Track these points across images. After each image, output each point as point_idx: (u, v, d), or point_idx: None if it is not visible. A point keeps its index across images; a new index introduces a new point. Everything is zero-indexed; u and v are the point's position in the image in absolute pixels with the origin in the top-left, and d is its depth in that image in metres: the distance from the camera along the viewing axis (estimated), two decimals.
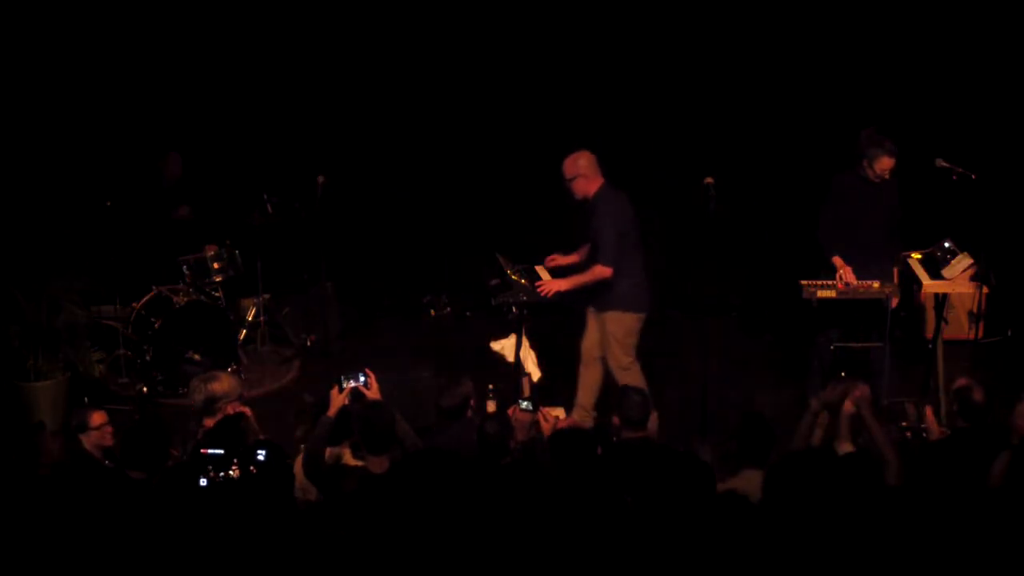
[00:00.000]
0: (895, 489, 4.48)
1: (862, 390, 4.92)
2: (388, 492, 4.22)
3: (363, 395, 5.10)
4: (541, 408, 5.35)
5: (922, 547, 3.80)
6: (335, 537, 3.96)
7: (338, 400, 5.08)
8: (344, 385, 5.12)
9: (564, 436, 4.65)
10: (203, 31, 8.60)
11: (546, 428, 5.11)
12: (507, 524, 3.95)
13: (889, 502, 4.12)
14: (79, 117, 8.34)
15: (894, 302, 6.61)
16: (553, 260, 6.66)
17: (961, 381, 5.21)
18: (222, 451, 4.12)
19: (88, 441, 4.97)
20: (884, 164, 6.59)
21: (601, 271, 6.32)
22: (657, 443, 5.28)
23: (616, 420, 5.18)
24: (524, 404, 5.32)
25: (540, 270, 6.64)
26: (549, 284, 6.39)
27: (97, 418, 5.05)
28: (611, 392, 6.49)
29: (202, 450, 4.19)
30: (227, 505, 4.03)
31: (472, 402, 5.67)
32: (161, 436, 4.77)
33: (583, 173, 6.37)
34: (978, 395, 5.06)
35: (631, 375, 6.38)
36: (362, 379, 5.14)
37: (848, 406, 4.89)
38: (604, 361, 6.58)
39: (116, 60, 8.44)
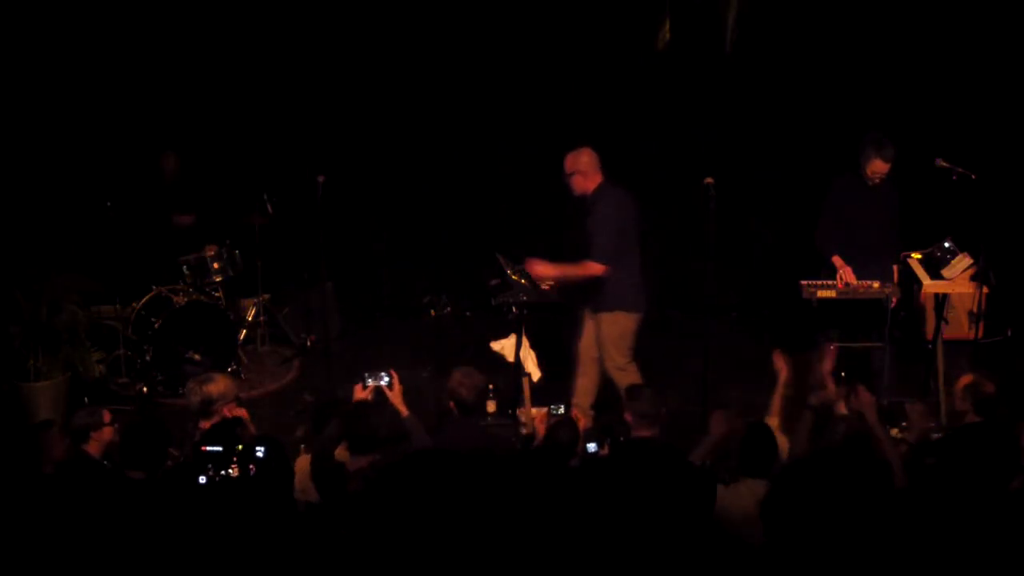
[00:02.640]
0: (906, 491, 4.48)
1: (865, 395, 4.93)
2: (389, 491, 4.22)
3: (385, 395, 5.20)
4: (574, 408, 5.40)
5: (937, 551, 3.80)
6: (335, 537, 3.96)
7: (360, 397, 5.19)
8: (368, 383, 5.21)
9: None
10: (202, 31, 8.59)
11: (581, 426, 5.13)
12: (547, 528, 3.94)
13: (901, 505, 4.12)
14: (78, 117, 8.33)
15: (894, 302, 6.61)
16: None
17: (968, 377, 5.21)
18: (221, 448, 4.13)
19: (100, 438, 4.95)
20: (876, 167, 6.59)
21: (592, 267, 6.30)
22: (665, 443, 5.27)
23: (629, 418, 5.17)
24: (559, 409, 5.39)
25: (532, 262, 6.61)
26: (539, 267, 6.37)
27: (107, 416, 5.05)
28: (609, 392, 6.49)
29: (202, 447, 4.19)
30: (226, 503, 4.04)
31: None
32: (161, 436, 4.77)
33: (583, 169, 6.37)
34: (989, 388, 5.07)
35: (629, 376, 6.37)
36: (386, 379, 5.23)
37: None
38: (600, 362, 6.57)
39: (115, 59, 8.43)
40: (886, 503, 3.76)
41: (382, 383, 5.23)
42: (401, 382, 5.29)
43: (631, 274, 6.42)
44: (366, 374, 5.26)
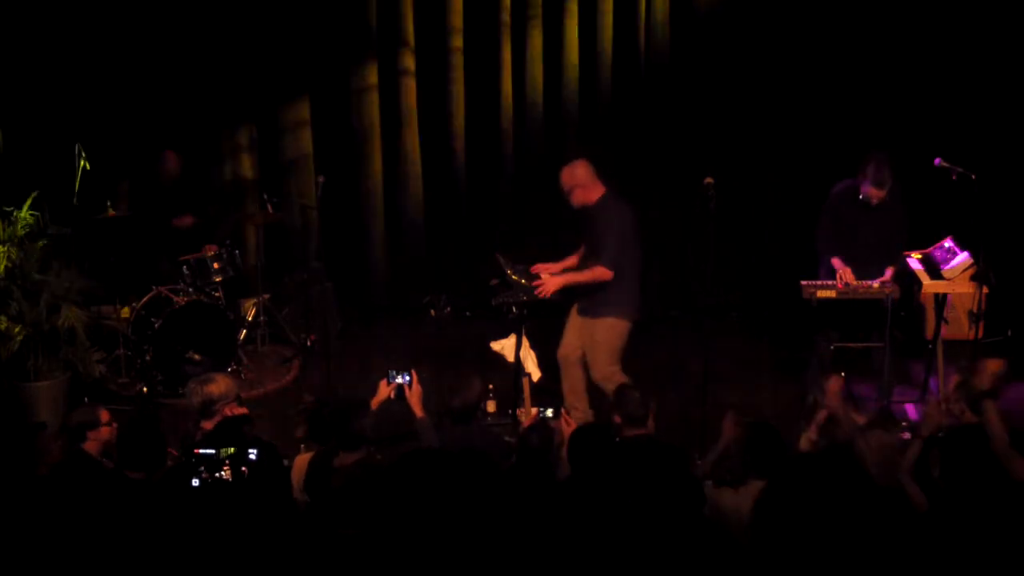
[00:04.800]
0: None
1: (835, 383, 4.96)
2: (386, 489, 4.23)
3: (404, 393, 5.41)
4: (563, 413, 5.40)
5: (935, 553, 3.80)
6: (332, 537, 3.96)
7: (383, 392, 5.40)
8: (392, 380, 5.42)
9: (585, 433, 4.69)
10: (202, 30, 8.59)
11: (568, 433, 5.12)
12: (520, 532, 3.94)
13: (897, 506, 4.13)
14: (77, 116, 8.32)
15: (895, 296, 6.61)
16: (545, 270, 6.62)
17: (956, 377, 5.20)
18: (214, 451, 4.15)
19: (98, 438, 4.95)
20: (868, 191, 6.59)
21: (602, 272, 6.28)
22: (659, 441, 5.28)
23: (618, 419, 5.17)
24: (549, 412, 5.40)
25: (540, 269, 6.63)
26: (547, 283, 6.37)
27: (105, 415, 5.06)
28: (600, 393, 6.49)
29: (195, 450, 4.21)
30: (220, 505, 4.05)
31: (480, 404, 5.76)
32: (156, 436, 4.77)
33: (581, 183, 6.35)
34: (976, 382, 5.04)
35: (617, 383, 6.35)
36: (406, 379, 5.41)
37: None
38: (583, 364, 6.55)
39: (114, 59, 8.43)
40: (868, 506, 3.77)
41: (403, 382, 5.40)
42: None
43: (632, 282, 6.41)
44: (392, 371, 5.44)
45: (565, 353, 6.61)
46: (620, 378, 6.37)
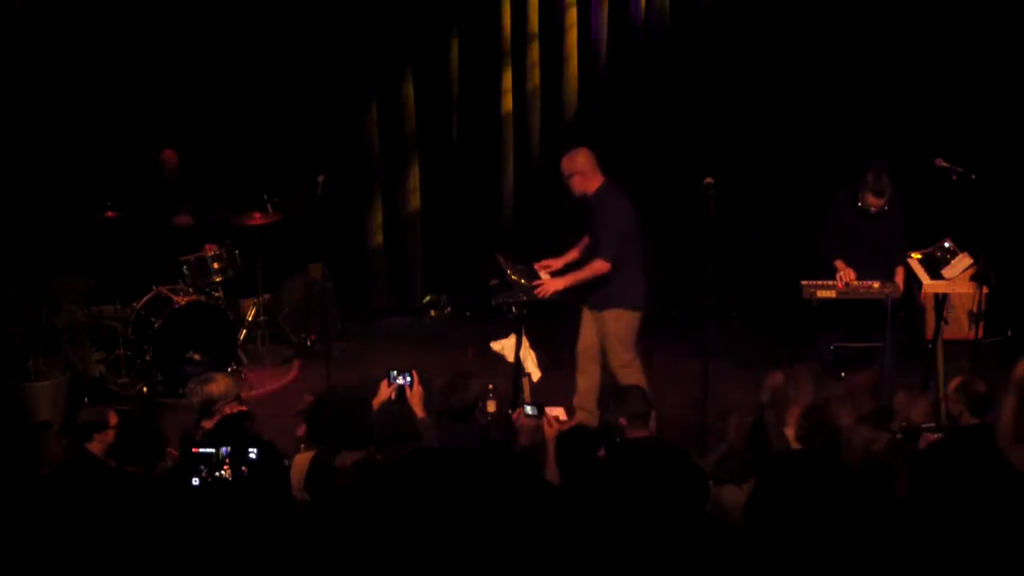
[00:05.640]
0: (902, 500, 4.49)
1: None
2: (387, 488, 4.24)
3: (405, 394, 5.40)
4: (546, 413, 5.39)
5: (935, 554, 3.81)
6: (332, 537, 3.97)
7: (384, 393, 5.38)
8: (393, 381, 5.39)
9: (570, 436, 4.69)
10: (202, 29, 8.59)
11: (550, 433, 5.11)
12: (501, 527, 3.95)
13: (898, 505, 4.14)
14: (77, 115, 8.33)
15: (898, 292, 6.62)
16: (546, 266, 6.62)
17: (958, 379, 5.20)
18: (213, 450, 4.16)
19: (104, 440, 4.95)
20: (868, 200, 6.58)
21: (600, 266, 6.29)
22: (662, 443, 5.28)
23: (623, 420, 5.17)
24: (530, 410, 5.38)
25: (540, 269, 6.63)
26: (547, 284, 6.37)
27: (114, 419, 5.06)
28: (606, 392, 6.48)
29: (195, 449, 4.22)
30: (220, 505, 4.06)
31: (479, 404, 5.75)
32: (154, 431, 4.77)
33: (580, 170, 6.36)
34: (980, 387, 5.05)
35: (632, 372, 6.37)
36: (407, 379, 5.39)
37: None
38: (601, 362, 6.57)
39: (114, 58, 8.44)
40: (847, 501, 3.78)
41: (404, 382, 5.38)
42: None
43: (634, 272, 6.42)
44: (393, 371, 5.41)
45: (583, 347, 6.65)
46: (637, 366, 6.44)
